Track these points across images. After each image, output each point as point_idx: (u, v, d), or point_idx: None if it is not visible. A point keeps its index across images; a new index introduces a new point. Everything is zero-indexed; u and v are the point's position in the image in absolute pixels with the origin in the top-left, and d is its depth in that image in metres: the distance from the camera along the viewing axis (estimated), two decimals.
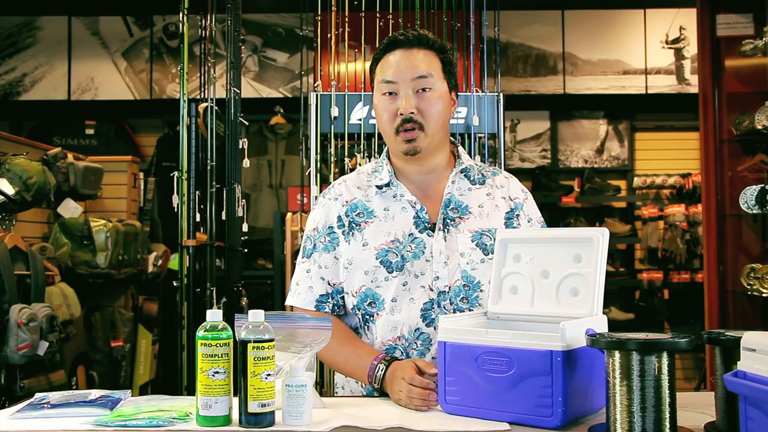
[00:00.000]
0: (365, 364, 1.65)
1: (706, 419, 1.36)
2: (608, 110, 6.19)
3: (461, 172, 1.82)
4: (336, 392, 1.88)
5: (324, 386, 3.34)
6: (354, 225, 1.77)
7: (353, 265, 1.74)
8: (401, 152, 1.75)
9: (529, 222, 1.83)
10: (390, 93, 1.73)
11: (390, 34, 1.83)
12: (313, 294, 1.77)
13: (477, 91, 3.40)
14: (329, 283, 1.77)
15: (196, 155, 3.63)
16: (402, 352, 1.70)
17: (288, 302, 1.83)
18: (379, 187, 1.80)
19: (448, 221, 1.75)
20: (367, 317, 1.74)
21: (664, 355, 1.20)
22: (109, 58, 5.93)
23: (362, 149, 3.35)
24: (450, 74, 1.79)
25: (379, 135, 3.35)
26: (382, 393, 1.63)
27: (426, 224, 1.75)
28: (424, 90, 1.72)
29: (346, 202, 1.80)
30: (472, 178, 1.83)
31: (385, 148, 1.86)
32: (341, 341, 1.72)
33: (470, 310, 1.68)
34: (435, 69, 1.74)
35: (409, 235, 1.73)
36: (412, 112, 1.70)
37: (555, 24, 5.95)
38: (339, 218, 1.79)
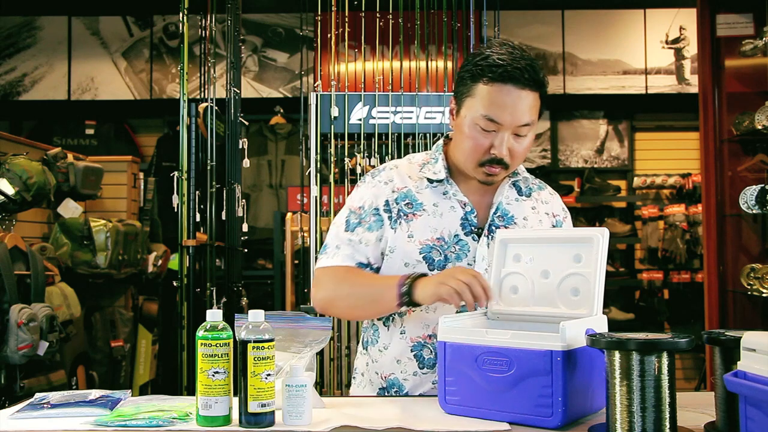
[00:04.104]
0: (392, 281, 1.61)
1: (706, 419, 1.36)
2: (608, 110, 6.19)
3: (512, 182, 1.82)
4: (353, 377, 1.86)
5: (324, 386, 3.34)
6: (402, 214, 1.74)
7: (394, 253, 1.72)
8: (477, 179, 1.73)
9: None
10: (488, 130, 1.67)
11: (494, 58, 1.62)
12: (356, 259, 1.73)
13: None
14: (368, 259, 1.75)
15: (196, 155, 3.63)
16: (431, 351, 1.69)
17: (323, 263, 1.75)
18: (431, 182, 1.78)
19: (494, 228, 1.74)
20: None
21: (664, 355, 1.20)
22: (109, 58, 5.93)
23: (362, 149, 3.35)
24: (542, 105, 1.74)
25: (380, 135, 3.35)
26: (411, 303, 1.59)
27: (473, 227, 1.74)
28: (521, 135, 1.67)
29: (397, 189, 1.77)
30: (521, 190, 1.83)
31: (440, 141, 1.84)
32: (359, 279, 1.70)
33: None
34: (536, 111, 1.68)
35: (455, 236, 1.72)
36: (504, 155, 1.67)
37: (555, 24, 5.95)
38: (387, 203, 1.76)
